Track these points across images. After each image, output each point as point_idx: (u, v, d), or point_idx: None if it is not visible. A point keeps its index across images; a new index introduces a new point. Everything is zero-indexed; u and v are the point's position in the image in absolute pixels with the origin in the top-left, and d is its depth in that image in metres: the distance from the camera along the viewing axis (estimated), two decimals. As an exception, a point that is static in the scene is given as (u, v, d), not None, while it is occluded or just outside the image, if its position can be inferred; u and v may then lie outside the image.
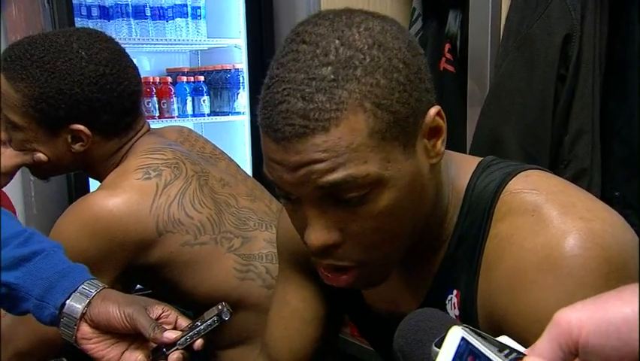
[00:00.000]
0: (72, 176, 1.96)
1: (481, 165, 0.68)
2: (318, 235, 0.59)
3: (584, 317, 0.36)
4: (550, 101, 1.20)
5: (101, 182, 1.09)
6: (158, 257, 1.03)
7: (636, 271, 0.53)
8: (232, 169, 1.24)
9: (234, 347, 1.12)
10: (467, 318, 0.65)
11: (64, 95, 1.00)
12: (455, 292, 0.66)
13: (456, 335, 0.38)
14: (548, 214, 0.60)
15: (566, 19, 1.17)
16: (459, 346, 0.38)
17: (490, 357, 0.37)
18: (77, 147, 1.05)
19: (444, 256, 0.67)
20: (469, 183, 0.67)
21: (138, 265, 1.03)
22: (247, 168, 2.47)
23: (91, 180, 1.15)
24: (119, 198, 1.00)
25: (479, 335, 0.39)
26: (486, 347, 0.38)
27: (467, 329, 0.39)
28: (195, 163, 1.12)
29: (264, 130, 0.58)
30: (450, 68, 1.63)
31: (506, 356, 0.38)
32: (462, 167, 0.68)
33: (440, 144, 0.62)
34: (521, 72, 1.23)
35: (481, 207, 0.65)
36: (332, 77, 0.55)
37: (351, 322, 0.88)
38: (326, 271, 0.64)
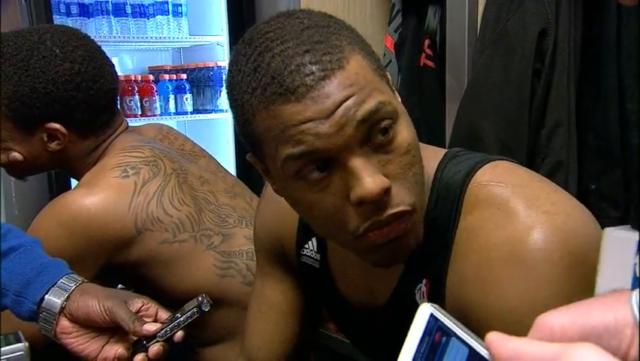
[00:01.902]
0: (53, 175, 1.95)
1: (447, 156, 0.69)
2: (373, 179, 0.57)
3: (567, 322, 0.36)
4: (526, 95, 1.21)
5: (78, 180, 1.08)
6: (137, 255, 1.03)
7: (597, 264, 0.54)
8: (212, 166, 1.23)
9: (215, 344, 1.12)
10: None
11: (38, 94, 0.99)
12: (424, 281, 0.67)
13: (425, 312, 0.39)
14: (514, 208, 0.61)
15: (540, 14, 1.18)
16: (428, 322, 0.38)
17: (458, 333, 0.38)
18: (53, 145, 1.04)
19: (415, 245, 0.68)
20: (436, 173, 0.68)
21: (117, 263, 1.02)
22: (231, 165, 2.46)
23: (73, 180, 1.15)
24: (96, 197, 0.99)
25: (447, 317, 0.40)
26: (454, 324, 0.39)
27: (436, 307, 0.39)
28: (174, 161, 1.11)
29: (280, 100, 0.56)
30: (430, 63, 1.64)
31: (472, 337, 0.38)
32: (428, 157, 0.68)
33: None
34: (498, 67, 1.24)
35: (449, 197, 0.66)
36: (318, 34, 0.58)
37: (329, 317, 0.89)
38: (383, 225, 0.60)
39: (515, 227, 0.60)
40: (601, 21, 1.18)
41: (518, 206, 0.61)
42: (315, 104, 0.56)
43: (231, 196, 1.18)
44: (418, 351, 0.37)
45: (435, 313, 0.38)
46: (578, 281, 0.57)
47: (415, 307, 0.66)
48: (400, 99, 0.64)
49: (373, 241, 0.61)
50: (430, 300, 0.65)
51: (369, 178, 0.57)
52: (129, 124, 1.16)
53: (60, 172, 1.17)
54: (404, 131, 0.60)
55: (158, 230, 1.03)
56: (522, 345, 0.35)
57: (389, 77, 0.64)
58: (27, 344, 0.77)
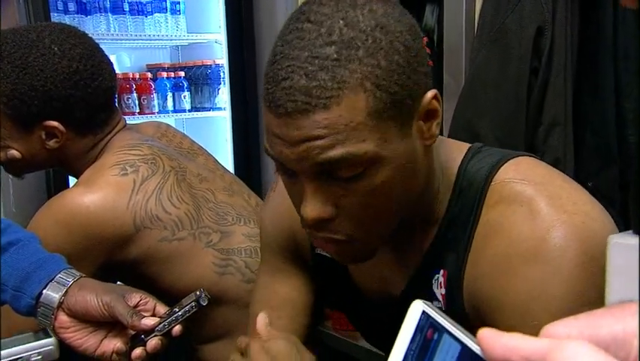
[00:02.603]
0: (51, 173, 1.94)
1: (470, 151, 0.71)
2: (313, 208, 0.61)
3: (574, 332, 0.36)
4: (524, 93, 1.21)
5: (77, 179, 1.08)
6: (135, 253, 1.03)
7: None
8: (210, 164, 1.23)
9: (214, 342, 1.12)
10: (452, 297, 0.68)
11: (36, 92, 0.99)
12: (442, 271, 0.69)
13: (417, 309, 0.39)
14: (536, 206, 0.63)
15: (537, 12, 1.19)
16: (420, 319, 0.38)
17: (450, 330, 0.38)
18: (52, 143, 1.04)
19: (434, 237, 0.70)
20: (460, 168, 0.69)
21: (116, 261, 1.03)
22: (228, 163, 2.46)
23: (71, 177, 1.15)
24: (95, 195, 0.99)
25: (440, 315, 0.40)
26: (446, 320, 0.39)
27: (428, 303, 0.39)
28: (173, 158, 1.11)
29: (267, 105, 0.59)
30: (428, 61, 1.63)
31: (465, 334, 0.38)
32: (452, 151, 0.70)
33: (435, 127, 0.63)
34: (495, 65, 1.24)
35: (472, 192, 0.67)
36: (335, 56, 0.56)
37: (340, 309, 0.89)
38: (318, 241, 0.66)
39: (536, 225, 0.61)
40: (597, 19, 1.18)
41: (540, 204, 0.62)
42: (287, 129, 0.58)
43: (229, 194, 1.18)
44: (409, 348, 0.37)
45: (427, 310, 0.38)
46: (593, 280, 0.59)
47: (431, 297, 0.68)
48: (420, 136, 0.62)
49: (315, 243, 0.67)
50: (447, 290, 0.68)
51: (310, 206, 0.60)
52: (127, 122, 1.16)
53: (58, 170, 1.17)
54: (377, 177, 0.60)
55: (157, 228, 1.03)
56: (513, 340, 0.35)
57: (402, 118, 0.60)
58: (55, 338, 0.79)
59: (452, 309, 0.68)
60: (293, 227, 0.83)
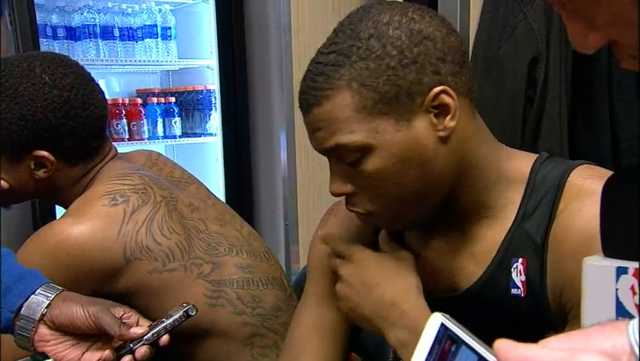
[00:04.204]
0: (37, 202, 1.92)
1: (541, 157, 0.78)
2: (334, 185, 0.75)
3: (566, 348, 0.37)
4: (519, 122, 1.22)
5: (66, 209, 1.06)
6: (125, 285, 1.01)
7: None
8: (202, 193, 1.22)
9: (204, 376, 1.09)
10: (534, 282, 0.73)
11: (26, 122, 0.98)
12: (521, 260, 0.73)
13: (436, 321, 0.41)
14: None
15: (532, 42, 1.20)
16: (438, 331, 0.40)
17: (467, 342, 0.40)
18: (41, 173, 1.03)
19: (509, 229, 0.75)
20: (533, 168, 0.75)
21: (105, 293, 1.00)
22: (220, 190, 2.45)
23: (58, 206, 1.13)
24: (84, 226, 0.98)
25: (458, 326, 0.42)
26: (464, 333, 0.40)
27: (447, 316, 0.41)
28: (164, 188, 1.10)
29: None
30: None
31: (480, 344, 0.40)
32: (520, 156, 0.78)
33: (449, 120, 0.70)
34: (490, 94, 1.25)
35: (547, 188, 0.73)
36: (333, 61, 0.69)
37: None
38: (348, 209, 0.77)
39: None
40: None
41: None
42: (305, 122, 0.74)
43: (222, 224, 1.16)
44: (428, 359, 0.39)
45: (445, 323, 0.41)
46: None
47: (510, 284, 0.74)
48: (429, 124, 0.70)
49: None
50: (528, 276, 0.73)
51: (331, 183, 0.75)
52: (117, 148, 1.15)
53: (43, 199, 1.15)
54: (371, 162, 0.70)
55: (148, 259, 1.01)
56: (529, 351, 0.36)
57: (397, 113, 0.69)
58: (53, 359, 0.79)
59: (533, 294, 0.72)
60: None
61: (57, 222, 1.00)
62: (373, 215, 0.75)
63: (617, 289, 0.49)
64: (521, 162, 0.77)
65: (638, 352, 0.37)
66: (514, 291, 0.73)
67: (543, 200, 0.73)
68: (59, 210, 1.11)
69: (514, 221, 0.74)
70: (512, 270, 0.74)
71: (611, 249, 0.51)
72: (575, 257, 0.66)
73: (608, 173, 0.71)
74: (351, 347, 0.93)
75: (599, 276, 0.51)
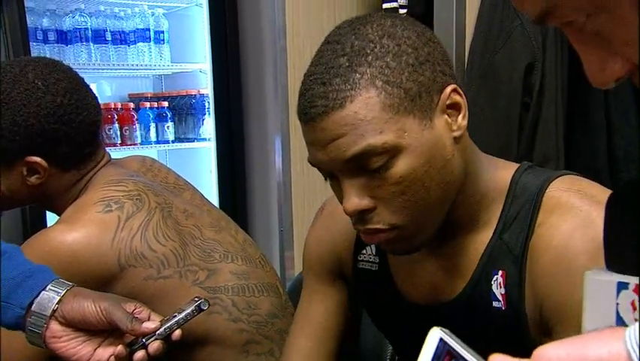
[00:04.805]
0: (27, 209, 1.89)
1: (522, 167, 0.77)
2: (351, 201, 0.68)
3: (563, 354, 0.38)
4: (515, 128, 1.22)
5: (59, 216, 1.05)
6: (119, 292, 1.00)
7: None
8: (197, 200, 1.21)
9: (200, 384, 1.08)
10: (513, 295, 0.72)
11: (19, 127, 0.97)
12: (500, 272, 0.73)
13: (435, 336, 0.41)
14: (594, 214, 0.67)
15: (527, 49, 1.20)
16: (437, 347, 0.40)
17: (466, 357, 0.40)
18: (33, 179, 1.02)
19: (489, 240, 0.74)
20: (513, 178, 0.74)
21: (99, 301, 0.99)
22: (213, 195, 2.43)
23: (48, 213, 1.12)
24: (78, 233, 0.97)
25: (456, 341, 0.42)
26: (462, 348, 0.41)
27: (446, 331, 0.42)
28: (158, 194, 1.09)
29: (299, 117, 0.69)
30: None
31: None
32: (503, 166, 0.77)
33: (461, 119, 0.69)
34: (486, 101, 1.25)
35: (526, 199, 0.72)
36: (347, 64, 0.65)
37: (379, 322, 0.91)
38: (367, 235, 0.72)
39: (597, 230, 0.64)
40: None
41: (597, 213, 0.66)
42: (315, 133, 0.67)
43: (217, 230, 1.15)
44: None
45: (444, 338, 0.41)
46: None
47: (491, 297, 0.74)
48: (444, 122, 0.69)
49: (364, 238, 0.73)
50: (507, 288, 0.72)
51: (348, 200, 0.68)
52: (109, 153, 1.14)
53: (34, 206, 1.14)
54: (401, 164, 0.66)
55: (142, 266, 1.00)
56: None
57: (420, 111, 0.67)
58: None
59: (512, 307, 0.72)
60: (336, 245, 0.89)
61: (50, 229, 1.00)
62: (397, 229, 0.69)
63: (617, 304, 0.49)
64: (505, 172, 0.76)
65: (635, 358, 0.37)
66: (495, 304, 0.73)
67: (522, 211, 0.72)
68: (50, 218, 1.10)
69: (494, 232, 0.74)
70: (493, 282, 0.73)
71: (613, 263, 0.51)
72: (552, 276, 0.68)
73: (590, 184, 0.73)
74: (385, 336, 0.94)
75: (599, 290, 0.51)
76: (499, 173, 0.75)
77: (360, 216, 0.69)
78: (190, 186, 1.24)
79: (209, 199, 1.27)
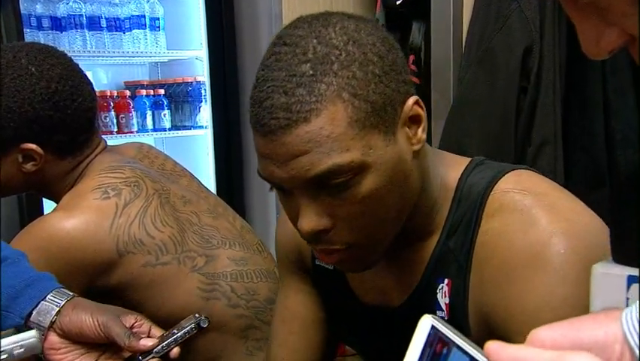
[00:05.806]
0: (24, 197, 1.89)
1: (472, 163, 0.73)
2: (309, 221, 0.63)
3: (558, 336, 0.38)
4: (512, 112, 1.22)
5: (56, 203, 1.05)
6: (118, 279, 1.00)
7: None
8: (194, 186, 1.21)
9: (200, 370, 1.08)
10: (456, 306, 0.70)
11: (13, 114, 0.96)
12: (446, 281, 0.70)
13: (426, 323, 0.40)
14: (536, 214, 0.65)
15: (525, 32, 1.19)
16: (429, 334, 0.40)
17: (459, 344, 0.40)
18: (29, 166, 1.01)
19: (435, 246, 0.71)
20: (461, 179, 0.71)
21: (98, 287, 0.99)
22: (210, 183, 2.43)
23: (45, 201, 1.11)
24: (76, 220, 0.97)
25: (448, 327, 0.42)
26: (455, 334, 0.40)
27: (437, 318, 0.41)
28: (156, 181, 1.09)
29: (253, 126, 0.63)
30: (415, 79, 1.64)
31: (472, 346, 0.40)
32: (453, 164, 0.73)
33: (421, 132, 0.66)
34: (483, 84, 1.25)
35: (471, 202, 0.69)
36: (311, 72, 0.60)
37: (338, 323, 0.89)
38: (320, 254, 0.69)
39: (538, 232, 0.63)
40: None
41: (540, 213, 0.65)
42: (274, 147, 0.61)
43: (214, 217, 1.15)
44: None
45: (436, 325, 0.40)
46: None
47: (435, 306, 0.69)
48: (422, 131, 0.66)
49: (319, 258, 0.70)
50: (452, 298, 0.70)
51: (305, 220, 0.63)
52: (106, 142, 1.13)
53: (31, 194, 1.14)
54: (365, 183, 0.62)
55: (141, 253, 1.00)
56: (520, 352, 0.37)
57: (384, 125, 0.62)
58: (38, 332, 0.77)
59: (456, 318, 0.69)
60: (297, 240, 0.84)
61: (48, 216, 1.00)
62: (353, 248, 0.66)
63: (627, 298, 0.48)
64: (454, 172, 0.71)
65: (631, 340, 0.37)
66: (439, 313, 0.70)
67: (466, 215, 0.69)
68: (47, 206, 1.09)
69: (439, 239, 0.71)
70: (438, 291, 0.71)
71: (620, 255, 0.50)
72: (497, 286, 0.65)
73: (539, 181, 0.70)
74: (342, 339, 0.92)
75: (609, 284, 0.50)
76: (450, 174, 0.71)
77: (316, 236, 0.64)
78: (187, 173, 1.24)
79: (206, 186, 1.27)
